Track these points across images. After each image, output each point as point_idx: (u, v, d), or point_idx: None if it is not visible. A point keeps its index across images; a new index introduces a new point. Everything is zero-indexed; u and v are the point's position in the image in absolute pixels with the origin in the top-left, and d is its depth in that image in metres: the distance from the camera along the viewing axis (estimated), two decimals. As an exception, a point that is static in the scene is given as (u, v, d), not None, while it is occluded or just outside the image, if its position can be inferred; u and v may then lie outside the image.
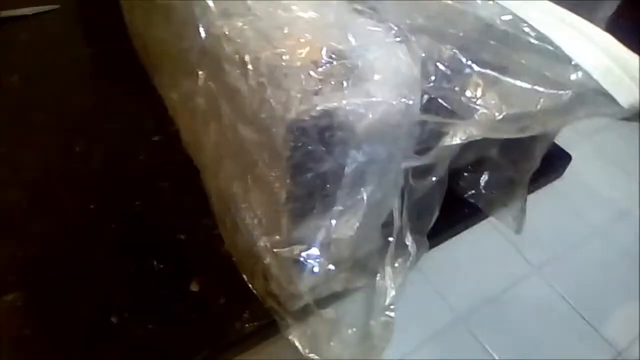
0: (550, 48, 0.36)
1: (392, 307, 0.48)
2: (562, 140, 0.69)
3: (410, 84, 0.37)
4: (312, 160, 0.37)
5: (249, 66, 0.37)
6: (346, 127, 0.36)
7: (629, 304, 1.41)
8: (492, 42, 0.37)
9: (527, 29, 0.36)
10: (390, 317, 0.47)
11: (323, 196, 0.40)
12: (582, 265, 1.48)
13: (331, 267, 0.45)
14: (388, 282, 0.47)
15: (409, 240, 0.47)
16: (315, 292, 0.48)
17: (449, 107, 0.37)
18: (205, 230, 0.56)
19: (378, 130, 0.37)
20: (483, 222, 0.66)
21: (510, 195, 0.62)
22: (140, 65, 0.67)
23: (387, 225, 0.47)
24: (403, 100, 0.36)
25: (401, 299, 0.49)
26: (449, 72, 0.37)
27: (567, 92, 0.35)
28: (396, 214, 0.46)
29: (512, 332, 1.32)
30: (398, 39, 0.37)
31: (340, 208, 0.42)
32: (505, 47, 0.37)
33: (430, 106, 0.37)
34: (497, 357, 1.28)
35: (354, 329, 0.50)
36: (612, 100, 0.35)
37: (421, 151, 0.41)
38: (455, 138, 0.38)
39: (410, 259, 0.47)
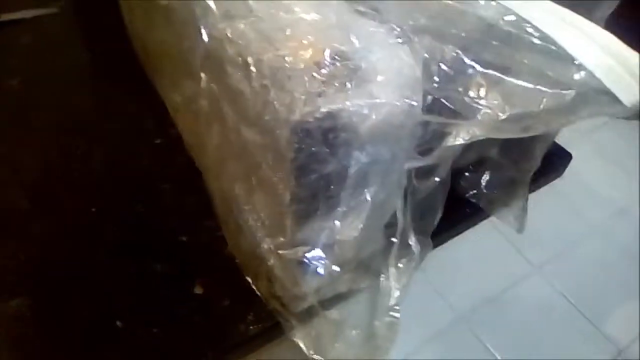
0: (553, 48, 0.36)
1: (396, 307, 0.48)
2: (562, 139, 0.69)
3: (413, 85, 0.37)
4: (316, 162, 0.37)
5: (252, 68, 0.37)
6: (350, 128, 0.36)
7: (629, 302, 1.42)
8: (494, 42, 0.37)
9: (529, 29, 0.36)
10: (395, 317, 0.48)
11: (327, 197, 0.40)
12: (583, 264, 1.48)
13: (335, 268, 0.45)
14: (392, 282, 0.48)
15: (412, 241, 0.47)
16: (320, 293, 0.48)
17: (452, 107, 0.37)
18: (208, 232, 0.56)
19: (381, 131, 0.37)
20: (483, 222, 0.66)
21: (511, 195, 0.62)
22: (140, 67, 0.67)
23: (390, 226, 0.48)
24: (406, 101, 0.36)
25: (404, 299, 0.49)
26: (451, 73, 0.37)
27: (570, 91, 0.35)
28: (400, 215, 0.46)
29: (513, 332, 1.32)
30: (400, 40, 0.37)
31: (344, 209, 0.42)
32: (508, 47, 0.37)
33: (433, 107, 0.37)
34: (498, 357, 1.28)
35: (358, 330, 0.50)
36: (615, 99, 0.35)
37: (424, 152, 0.41)
38: (458, 138, 0.38)
39: (414, 259, 0.47)
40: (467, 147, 0.41)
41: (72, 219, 0.57)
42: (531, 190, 0.62)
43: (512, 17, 0.37)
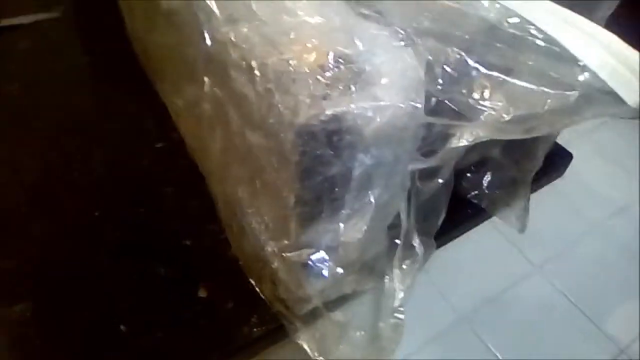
0: (556, 49, 0.36)
1: (401, 308, 0.48)
2: (562, 139, 0.69)
3: (417, 87, 0.37)
4: (321, 165, 0.37)
5: (256, 72, 0.37)
6: (354, 130, 0.36)
7: (630, 301, 1.42)
8: (498, 44, 0.37)
9: (532, 31, 0.36)
10: (400, 318, 0.48)
11: (331, 200, 0.41)
12: (583, 264, 1.48)
13: (339, 270, 0.45)
14: (396, 284, 0.48)
15: (416, 242, 0.47)
16: (324, 295, 0.48)
17: (456, 109, 0.37)
18: (211, 236, 0.56)
19: (385, 133, 0.37)
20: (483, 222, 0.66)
21: (513, 195, 0.62)
22: (141, 70, 0.67)
23: (393, 227, 0.48)
24: (410, 103, 0.36)
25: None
26: (455, 75, 0.37)
27: (574, 92, 0.35)
28: (403, 216, 0.46)
29: (514, 331, 1.32)
30: (404, 43, 0.37)
31: (348, 211, 0.42)
32: (511, 48, 0.37)
33: (437, 109, 0.38)
34: (500, 357, 1.28)
35: (363, 332, 0.50)
36: (619, 99, 0.35)
37: (428, 153, 0.42)
38: (462, 140, 0.39)
39: (418, 260, 0.47)
40: (470, 148, 0.41)
41: (76, 226, 0.57)
42: (532, 190, 0.63)
43: (515, 19, 0.37)
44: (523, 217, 0.63)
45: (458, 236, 0.64)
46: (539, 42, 0.36)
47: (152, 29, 0.58)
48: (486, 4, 0.37)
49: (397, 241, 0.47)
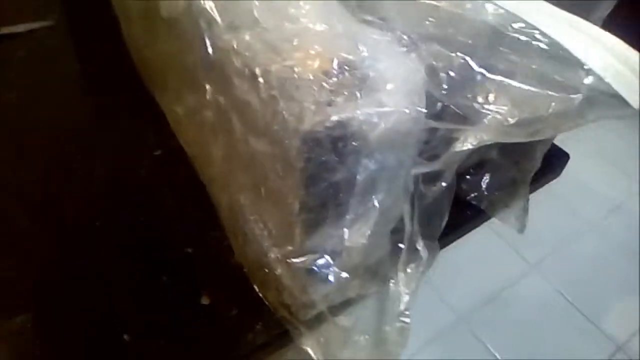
0: (559, 52, 0.36)
1: (406, 312, 0.48)
2: (558, 137, 0.69)
3: (420, 92, 0.37)
4: (326, 171, 0.37)
5: (260, 79, 0.37)
6: (359, 136, 0.36)
7: (627, 298, 1.43)
8: (501, 48, 0.37)
9: (536, 34, 0.37)
10: (406, 322, 0.48)
11: (335, 205, 0.41)
12: (580, 262, 1.49)
13: (344, 275, 0.45)
14: (401, 287, 0.48)
15: (420, 246, 0.47)
16: (328, 299, 0.48)
17: (460, 113, 0.37)
18: (213, 243, 0.55)
19: (389, 138, 0.37)
20: (480, 223, 0.66)
21: (512, 196, 0.63)
22: (138, 78, 0.67)
23: (397, 232, 0.48)
24: (415, 108, 0.36)
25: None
26: (459, 79, 0.37)
27: (578, 95, 0.36)
28: (407, 220, 0.46)
29: (513, 331, 1.33)
30: (407, 48, 0.38)
31: (352, 216, 0.42)
32: (515, 52, 0.37)
33: (442, 113, 0.38)
34: (499, 356, 1.29)
35: (367, 336, 0.50)
36: (622, 101, 0.35)
37: (431, 157, 0.42)
38: (466, 144, 0.39)
39: (422, 264, 0.48)
40: (470, 151, 0.41)
41: (76, 236, 0.57)
42: (530, 191, 0.63)
43: (518, 23, 0.37)
44: (522, 217, 0.63)
45: (458, 238, 0.64)
46: (542, 45, 0.36)
47: (150, 36, 0.58)
48: (490, 8, 0.37)
49: (401, 245, 0.47)
